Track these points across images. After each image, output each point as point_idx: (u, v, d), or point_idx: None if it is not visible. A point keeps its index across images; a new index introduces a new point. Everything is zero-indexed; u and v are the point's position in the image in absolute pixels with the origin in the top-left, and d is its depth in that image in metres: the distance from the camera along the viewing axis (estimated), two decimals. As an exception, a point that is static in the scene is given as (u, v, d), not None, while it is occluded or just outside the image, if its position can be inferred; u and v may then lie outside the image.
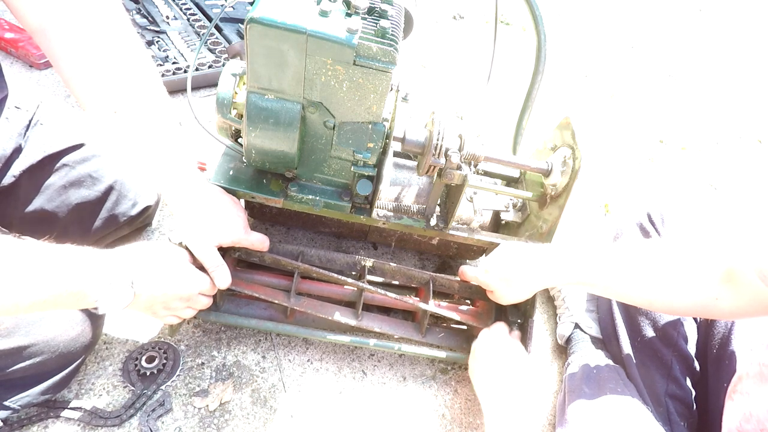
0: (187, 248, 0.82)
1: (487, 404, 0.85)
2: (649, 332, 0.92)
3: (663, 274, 0.76)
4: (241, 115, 0.85)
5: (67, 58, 0.71)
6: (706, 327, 0.92)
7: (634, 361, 0.94)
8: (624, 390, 0.86)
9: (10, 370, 0.74)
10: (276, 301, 0.92)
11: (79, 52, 0.70)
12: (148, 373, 0.90)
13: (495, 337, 0.92)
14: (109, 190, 0.97)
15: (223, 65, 1.23)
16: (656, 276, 0.77)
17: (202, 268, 0.83)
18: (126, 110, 0.73)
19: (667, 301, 0.77)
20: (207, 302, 0.85)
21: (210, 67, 1.52)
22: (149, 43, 1.55)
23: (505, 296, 0.92)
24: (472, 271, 0.96)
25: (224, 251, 0.92)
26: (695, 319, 0.93)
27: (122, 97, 0.73)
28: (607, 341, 1.02)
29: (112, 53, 0.72)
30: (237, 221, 0.87)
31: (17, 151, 0.86)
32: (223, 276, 0.84)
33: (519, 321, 0.98)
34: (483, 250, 1.13)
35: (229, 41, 1.64)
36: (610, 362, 0.97)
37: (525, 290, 0.89)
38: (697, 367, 0.91)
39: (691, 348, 0.91)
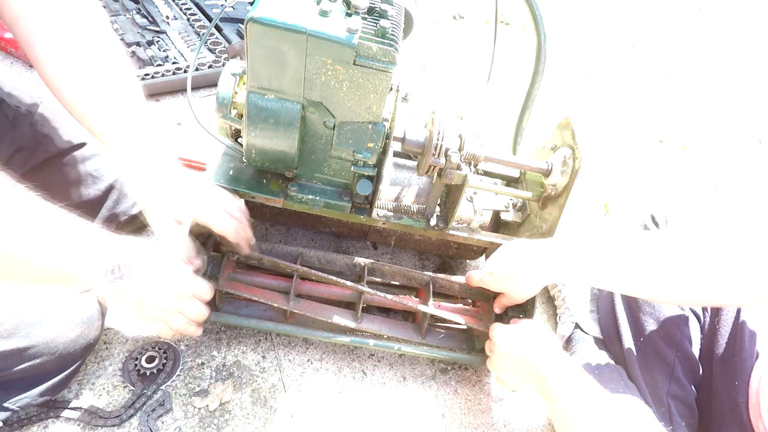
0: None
1: (543, 375, 0.79)
2: (653, 332, 0.92)
3: (701, 265, 0.70)
4: (241, 115, 0.85)
5: (44, 60, 0.72)
6: (711, 328, 0.92)
7: (637, 360, 0.94)
8: (625, 390, 0.86)
9: (10, 371, 0.74)
10: (275, 304, 0.92)
11: (52, 52, 0.72)
12: (148, 373, 0.90)
13: (506, 327, 0.90)
14: (110, 189, 0.97)
15: (223, 65, 1.23)
16: (692, 268, 0.70)
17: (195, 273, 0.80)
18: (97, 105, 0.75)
19: (709, 292, 0.70)
20: (202, 312, 0.81)
21: (210, 67, 1.52)
22: (149, 43, 1.55)
23: (513, 295, 0.92)
24: (478, 275, 0.95)
25: (223, 253, 0.92)
26: (698, 320, 0.92)
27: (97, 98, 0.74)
28: (608, 341, 1.02)
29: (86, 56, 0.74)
30: (208, 199, 0.83)
31: (17, 150, 0.86)
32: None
33: (520, 317, 0.98)
34: (483, 250, 1.13)
35: (229, 41, 1.64)
36: (611, 362, 0.97)
37: (532, 285, 0.89)
38: (700, 369, 0.91)
39: (695, 349, 0.91)
